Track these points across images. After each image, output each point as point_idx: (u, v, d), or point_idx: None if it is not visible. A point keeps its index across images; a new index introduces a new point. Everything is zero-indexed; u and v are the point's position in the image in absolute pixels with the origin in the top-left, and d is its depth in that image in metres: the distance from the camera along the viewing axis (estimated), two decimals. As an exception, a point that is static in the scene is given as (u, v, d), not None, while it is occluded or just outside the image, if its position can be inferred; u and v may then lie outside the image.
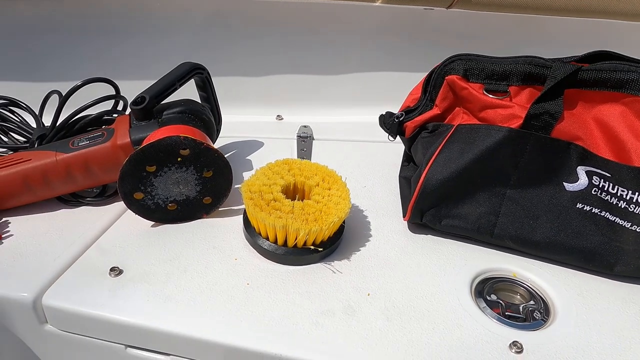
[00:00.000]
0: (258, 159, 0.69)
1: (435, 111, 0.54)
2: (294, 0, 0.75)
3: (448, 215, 0.51)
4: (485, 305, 0.46)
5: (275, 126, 0.81)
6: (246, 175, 0.64)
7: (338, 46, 0.81)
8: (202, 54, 0.77)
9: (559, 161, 0.48)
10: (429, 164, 0.51)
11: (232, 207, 0.57)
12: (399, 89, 0.81)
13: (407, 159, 0.62)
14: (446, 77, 0.52)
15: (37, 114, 0.66)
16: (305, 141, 0.73)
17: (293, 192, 0.53)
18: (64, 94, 0.62)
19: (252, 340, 0.40)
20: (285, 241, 0.48)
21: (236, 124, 0.78)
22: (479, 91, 0.51)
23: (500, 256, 0.52)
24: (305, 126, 0.78)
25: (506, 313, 0.45)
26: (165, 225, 0.54)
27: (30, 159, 0.53)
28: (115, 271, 0.47)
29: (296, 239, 0.47)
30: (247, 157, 0.69)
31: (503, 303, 0.46)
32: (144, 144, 0.51)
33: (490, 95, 0.50)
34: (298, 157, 0.69)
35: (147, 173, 0.49)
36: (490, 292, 0.47)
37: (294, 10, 0.77)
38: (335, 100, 0.85)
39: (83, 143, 0.54)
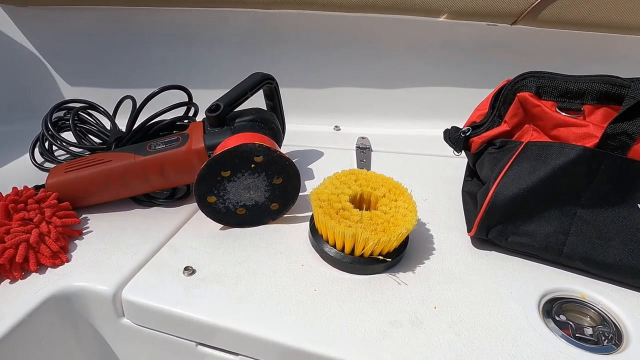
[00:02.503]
0: (318, 168, 0.71)
1: (503, 127, 0.54)
2: (357, 14, 0.76)
3: (515, 232, 0.51)
4: (554, 325, 0.45)
5: (333, 136, 0.83)
6: (308, 183, 0.66)
7: (399, 59, 0.82)
8: (265, 64, 0.80)
9: (635, 182, 0.47)
10: (498, 180, 0.51)
11: (297, 214, 0.58)
12: (458, 104, 0.82)
13: (471, 174, 0.61)
14: (518, 94, 0.52)
15: (113, 117, 0.70)
16: (364, 152, 0.74)
17: (359, 202, 0.54)
18: (137, 99, 0.66)
19: (322, 346, 0.41)
20: (352, 250, 0.49)
21: (295, 132, 0.80)
22: (551, 109, 0.51)
23: (568, 276, 0.51)
24: (363, 137, 0.79)
25: (576, 335, 0.44)
26: (233, 228, 0.56)
27: (111, 160, 0.56)
28: (189, 270, 0.49)
29: (364, 248, 0.48)
30: (308, 166, 0.71)
31: (572, 324, 0.45)
32: (218, 150, 0.54)
33: (564, 114, 0.50)
34: (358, 167, 0.70)
35: (221, 178, 0.52)
36: (559, 312, 0.47)
37: (357, 23, 0.79)
38: (392, 113, 0.86)
39: (160, 147, 0.57)
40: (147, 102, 0.62)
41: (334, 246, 0.50)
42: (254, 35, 0.82)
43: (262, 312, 0.44)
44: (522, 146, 0.52)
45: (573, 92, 0.50)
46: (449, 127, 0.61)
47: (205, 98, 0.67)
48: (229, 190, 0.53)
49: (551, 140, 0.51)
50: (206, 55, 0.84)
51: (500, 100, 0.55)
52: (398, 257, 0.50)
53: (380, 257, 0.48)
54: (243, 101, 0.59)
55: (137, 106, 0.63)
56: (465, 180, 0.62)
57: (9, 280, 0.47)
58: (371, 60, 0.83)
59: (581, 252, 0.49)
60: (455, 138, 0.59)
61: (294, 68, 0.84)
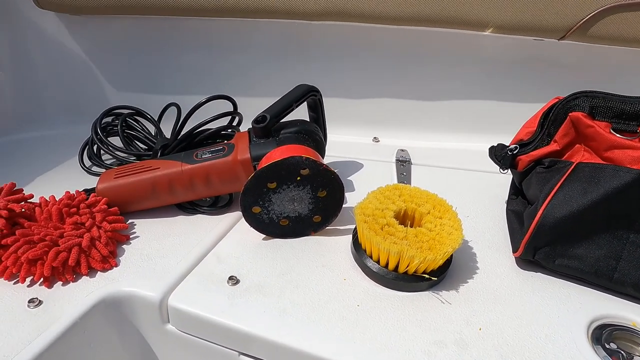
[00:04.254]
0: (358, 180, 0.71)
1: (553, 147, 0.53)
2: (400, 27, 0.76)
3: (563, 255, 0.50)
4: (605, 354, 0.44)
5: (371, 148, 0.82)
6: (348, 195, 0.66)
7: (441, 73, 0.81)
8: (305, 74, 0.81)
9: (693, 209, 0.46)
10: (547, 201, 0.50)
11: (338, 227, 0.58)
12: (500, 120, 0.81)
13: (516, 192, 0.60)
14: (570, 114, 0.51)
15: (158, 124, 0.71)
16: (404, 165, 0.74)
17: (403, 218, 0.53)
18: (183, 108, 0.67)
19: (366, 363, 0.41)
20: (396, 266, 0.49)
21: (333, 143, 0.79)
22: (605, 130, 0.49)
23: (618, 302, 0.49)
24: (402, 150, 0.79)
25: (628, 365, 0.43)
26: (276, 239, 0.56)
27: (159, 167, 0.58)
28: (233, 280, 0.50)
29: (408, 265, 0.47)
30: (347, 178, 0.71)
31: (623, 353, 0.44)
32: (264, 161, 0.54)
33: (618, 135, 0.49)
34: (398, 181, 0.70)
35: (267, 189, 0.52)
36: (609, 340, 0.45)
37: (400, 35, 0.78)
38: (432, 126, 0.85)
39: (206, 156, 0.58)
40: (195, 110, 0.63)
41: (378, 262, 0.50)
42: (296, 45, 0.83)
43: (305, 325, 0.45)
44: (573, 167, 0.50)
45: (629, 114, 0.49)
46: (495, 144, 0.60)
47: (245, 107, 0.68)
48: (273, 201, 0.53)
49: (604, 162, 0.50)
50: (247, 65, 0.85)
51: (550, 119, 0.54)
52: (442, 275, 0.50)
53: (426, 276, 0.47)
54: (288, 113, 0.60)
55: (184, 114, 0.64)
56: (509, 199, 0.61)
57: (61, 283, 0.49)
58: (412, 72, 0.83)
59: (633, 279, 0.47)
60: (501, 155, 0.58)
61: (333, 78, 0.84)
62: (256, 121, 0.57)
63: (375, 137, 0.85)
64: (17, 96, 0.85)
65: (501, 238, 0.58)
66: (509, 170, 0.59)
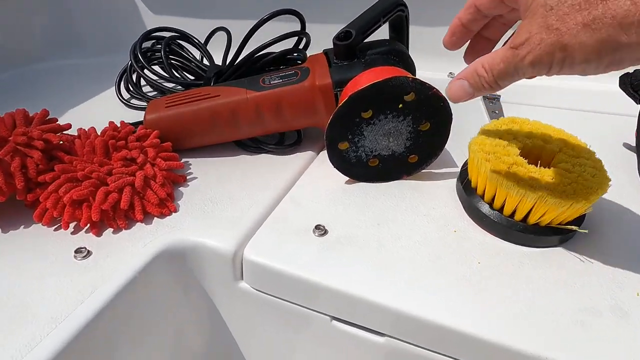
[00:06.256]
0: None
1: None
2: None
3: None
4: None
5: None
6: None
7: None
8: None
9: None
10: None
11: (433, 170, 0.49)
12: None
13: (650, 130, 0.50)
14: None
15: (207, 50, 0.61)
16: (493, 103, 0.63)
17: (526, 157, 0.43)
18: (232, 33, 0.56)
19: (507, 335, 0.32)
20: (525, 216, 0.39)
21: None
22: None
23: None
24: (486, 86, 0.68)
25: None
26: (361, 183, 0.47)
27: (219, 95, 0.48)
28: (320, 230, 0.40)
29: (542, 215, 0.38)
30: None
31: None
32: (349, 86, 0.44)
33: None
34: (490, 119, 0.59)
35: (360, 119, 0.42)
36: None
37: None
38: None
39: (275, 82, 0.47)
40: (255, 30, 0.52)
41: (500, 210, 0.40)
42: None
43: (417, 285, 0.36)
44: None
45: None
46: (630, 71, 0.49)
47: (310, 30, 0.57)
48: (365, 135, 0.43)
49: None
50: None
51: None
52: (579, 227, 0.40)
53: (574, 228, 0.38)
54: (375, 30, 0.49)
55: (243, 37, 0.53)
56: (642, 139, 0.50)
57: (111, 230, 0.40)
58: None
59: None
60: (637, 85, 0.47)
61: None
62: (338, 38, 0.46)
63: (450, 73, 0.74)
64: (49, 20, 0.74)
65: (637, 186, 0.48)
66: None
